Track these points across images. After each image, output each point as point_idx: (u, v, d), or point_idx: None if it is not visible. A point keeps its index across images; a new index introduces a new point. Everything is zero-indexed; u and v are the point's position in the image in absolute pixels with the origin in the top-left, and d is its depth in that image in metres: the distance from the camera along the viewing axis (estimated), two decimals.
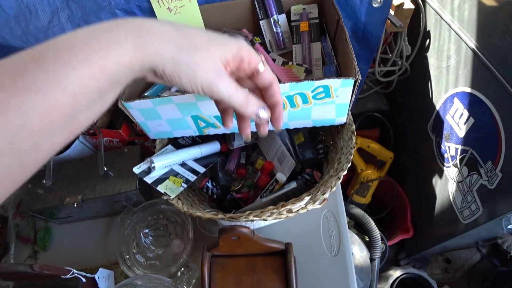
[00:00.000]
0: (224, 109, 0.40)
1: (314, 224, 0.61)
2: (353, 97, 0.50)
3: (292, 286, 0.44)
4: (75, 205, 0.64)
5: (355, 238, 1.01)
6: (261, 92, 0.38)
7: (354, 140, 0.54)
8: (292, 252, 0.45)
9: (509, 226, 0.85)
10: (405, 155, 1.16)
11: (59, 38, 0.24)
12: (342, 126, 0.58)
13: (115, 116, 0.77)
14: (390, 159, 1.11)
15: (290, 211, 0.45)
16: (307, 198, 0.47)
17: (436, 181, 1.00)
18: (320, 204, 0.46)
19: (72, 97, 0.23)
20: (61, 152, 0.73)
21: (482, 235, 0.98)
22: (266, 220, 0.45)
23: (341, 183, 0.57)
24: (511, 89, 0.66)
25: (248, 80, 0.37)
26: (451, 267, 1.34)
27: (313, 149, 0.60)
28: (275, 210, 0.44)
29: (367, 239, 1.06)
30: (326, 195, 0.46)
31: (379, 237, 1.03)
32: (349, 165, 0.51)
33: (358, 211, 1.05)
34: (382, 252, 1.05)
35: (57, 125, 0.23)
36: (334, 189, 0.47)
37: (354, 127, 0.56)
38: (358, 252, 1.00)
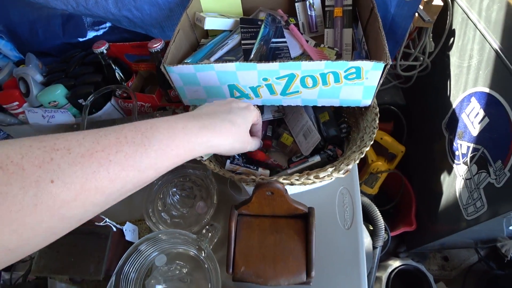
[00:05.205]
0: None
1: (330, 198, 0.65)
2: (381, 81, 0.53)
3: (311, 246, 0.48)
4: None
5: None
6: None
7: (377, 121, 0.57)
8: (314, 216, 0.48)
9: (510, 228, 0.88)
10: (416, 150, 1.18)
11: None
12: (366, 108, 0.61)
13: (146, 83, 0.81)
14: (401, 152, 1.14)
15: (317, 177, 0.48)
16: (330, 169, 0.51)
17: (445, 178, 1.03)
18: (344, 174, 0.49)
19: (157, 173, 0.34)
20: (93, 112, 0.77)
21: (482, 235, 1.00)
22: (293, 184, 0.48)
23: None
24: None
25: None
26: (448, 265, 1.37)
27: (337, 127, 0.63)
28: (303, 176, 0.48)
29: (371, 228, 1.09)
30: (350, 167, 0.50)
31: (383, 226, 1.06)
32: (371, 142, 0.54)
33: (365, 199, 1.08)
34: (384, 242, 1.08)
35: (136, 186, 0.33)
36: (357, 161, 0.51)
37: (377, 110, 0.59)
38: None
